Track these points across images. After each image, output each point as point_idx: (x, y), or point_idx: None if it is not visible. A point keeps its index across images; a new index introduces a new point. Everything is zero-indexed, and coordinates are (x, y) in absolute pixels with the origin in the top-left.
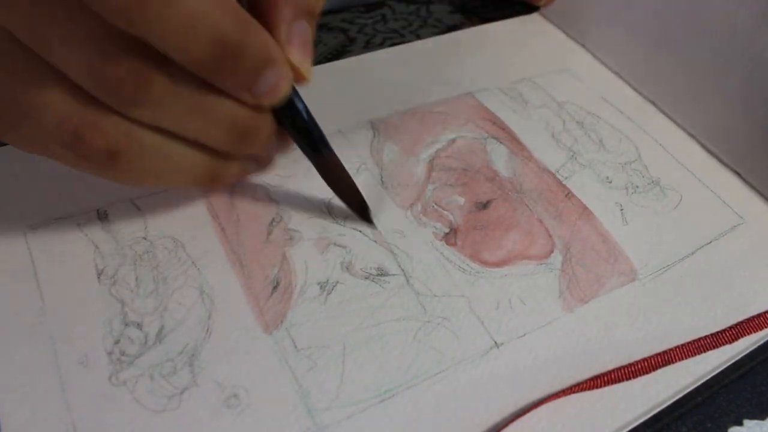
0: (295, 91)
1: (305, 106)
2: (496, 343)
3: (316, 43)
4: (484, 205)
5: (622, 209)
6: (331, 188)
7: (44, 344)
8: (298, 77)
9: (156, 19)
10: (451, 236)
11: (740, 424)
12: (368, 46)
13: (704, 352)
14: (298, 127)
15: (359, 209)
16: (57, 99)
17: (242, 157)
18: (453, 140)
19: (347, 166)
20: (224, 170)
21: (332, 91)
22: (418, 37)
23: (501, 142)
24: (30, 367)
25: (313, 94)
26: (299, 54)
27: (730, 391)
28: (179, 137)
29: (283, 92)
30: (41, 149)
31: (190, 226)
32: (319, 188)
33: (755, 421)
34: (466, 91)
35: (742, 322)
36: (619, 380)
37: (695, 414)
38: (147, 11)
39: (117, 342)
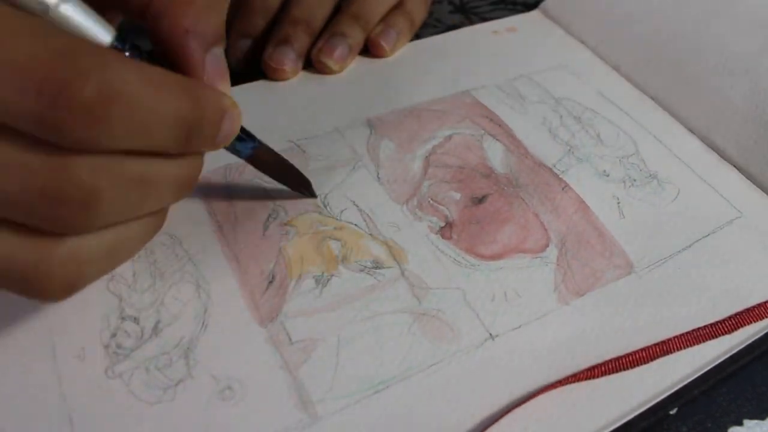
0: None
1: None
2: (491, 335)
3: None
4: (480, 200)
5: (619, 203)
6: (270, 175)
7: (42, 338)
8: None
9: (119, 134)
10: (446, 230)
11: (740, 424)
12: None
13: (702, 342)
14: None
15: (303, 188)
16: None
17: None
18: (449, 137)
19: (342, 163)
20: (162, 221)
21: (330, 90)
22: (418, 37)
23: (497, 139)
24: (27, 360)
25: (312, 93)
26: (224, 86)
27: (730, 391)
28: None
29: (236, 131)
30: None
31: (187, 222)
32: (315, 185)
33: (755, 421)
34: (464, 89)
35: (740, 313)
36: (616, 370)
37: (695, 414)
38: (111, 127)
39: (113, 335)
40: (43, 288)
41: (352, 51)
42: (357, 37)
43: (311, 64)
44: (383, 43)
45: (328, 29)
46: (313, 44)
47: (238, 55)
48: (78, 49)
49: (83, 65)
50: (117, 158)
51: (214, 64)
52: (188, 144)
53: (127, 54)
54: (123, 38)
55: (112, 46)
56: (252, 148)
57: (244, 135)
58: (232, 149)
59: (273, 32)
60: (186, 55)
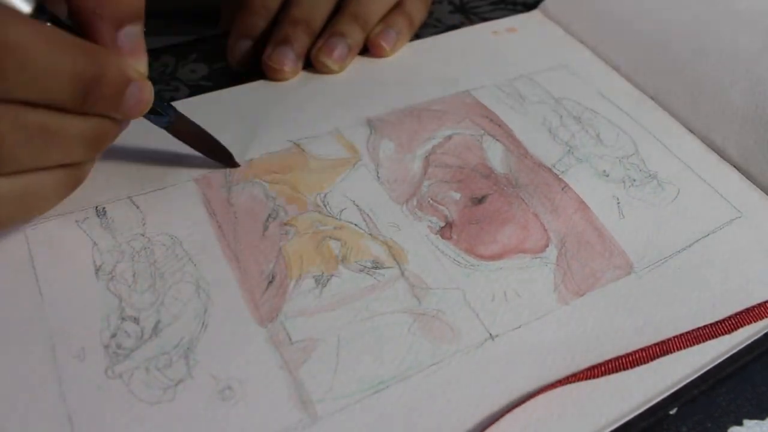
0: None
1: None
2: (491, 335)
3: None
4: (480, 200)
5: (618, 203)
6: (192, 147)
7: (42, 338)
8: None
9: (14, 85)
10: (446, 230)
11: (740, 424)
12: None
13: (702, 342)
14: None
15: (222, 158)
16: None
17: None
18: (449, 137)
19: (342, 162)
20: (85, 171)
21: (330, 90)
22: (418, 37)
23: (497, 140)
24: (28, 360)
25: (312, 93)
26: (138, 62)
27: (729, 391)
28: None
29: (148, 103)
30: None
31: (187, 222)
32: (314, 184)
33: (755, 421)
34: (464, 89)
35: (740, 313)
36: (616, 370)
37: (695, 414)
38: (4, 78)
39: (114, 336)
40: None
41: (352, 51)
42: (356, 37)
43: (311, 64)
44: (383, 43)
45: (328, 29)
46: (313, 44)
47: (238, 56)
48: None
49: None
50: (17, 107)
51: (127, 42)
52: (86, 101)
53: (48, 24)
54: (44, 10)
55: (32, 15)
56: (167, 121)
57: (161, 109)
58: (150, 119)
59: (273, 32)
60: (94, 34)
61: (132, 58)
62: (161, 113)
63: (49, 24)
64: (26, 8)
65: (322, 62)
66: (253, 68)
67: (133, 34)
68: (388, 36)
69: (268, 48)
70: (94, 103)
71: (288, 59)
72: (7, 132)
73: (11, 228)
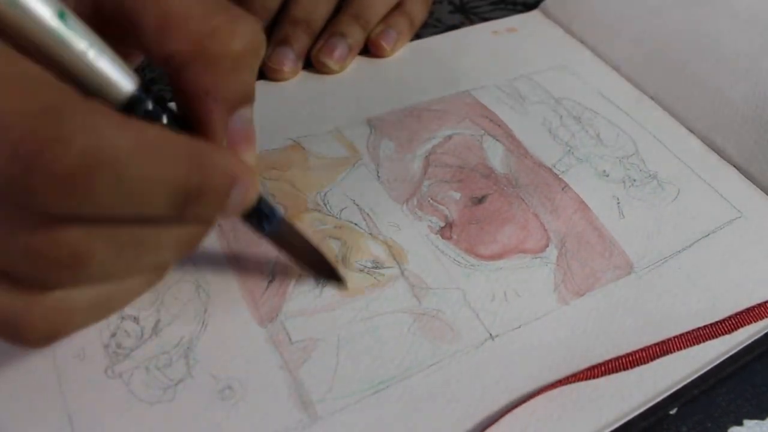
0: None
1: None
2: (491, 335)
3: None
4: (480, 200)
5: (618, 203)
6: (292, 258)
7: None
8: None
9: (107, 202)
10: (446, 230)
11: (740, 424)
12: None
13: (703, 341)
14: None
15: (326, 274)
16: None
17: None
18: (449, 137)
19: (342, 161)
20: (164, 273)
21: (330, 90)
22: (418, 37)
23: (497, 140)
24: (27, 360)
25: (312, 93)
26: (247, 151)
27: (730, 391)
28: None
29: (251, 200)
30: None
31: None
32: (314, 183)
33: (755, 421)
34: (464, 89)
35: (740, 312)
36: (616, 370)
37: (695, 414)
38: (94, 196)
39: (113, 335)
40: (25, 338)
41: (352, 51)
42: (357, 37)
43: (311, 64)
44: (383, 44)
45: (328, 29)
46: (313, 44)
47: None
48: (66, 106)
49: (68, 126)
50: (109, 224)
51: (238, 127)
52: (185, 212)
53: (149, 106)
54: (147, 88)
55: (133, 96)
56: (272, 229)
57: (267, 212)
58: (249, 224)
59: (273, 33)
60: (206, 117)
61: (241, 148)
62: (267, 216)
63: (148, 117)
64: (129, 87)
65: (322, 62)
66: None
67: (245, 119)
68: (388, 36)
69: (267, 48)
70: (193, 213)
71: (288, 59)
72: (96, 249)
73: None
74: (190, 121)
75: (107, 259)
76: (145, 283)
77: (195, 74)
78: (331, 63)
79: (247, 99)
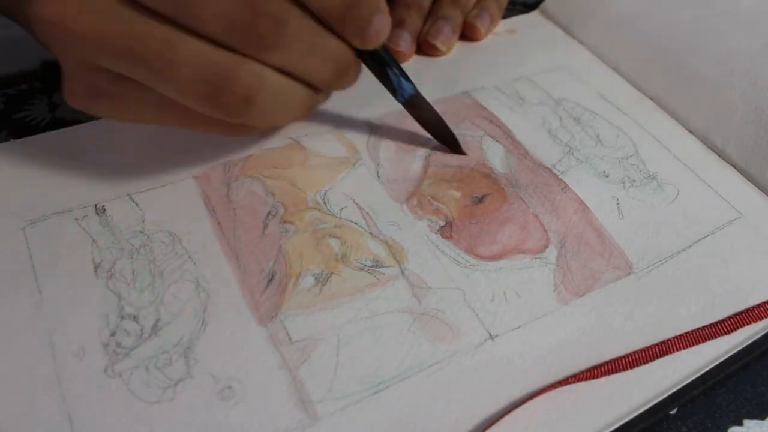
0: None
1: (388, 52)
2: (490, 335)
3: None
4: (480, 200)
5: (618, 203)
6: (420, 124)
7: (41, 336)
8: None
9: None
10: (446, 229)
11: (740, 424)
12: None
13: (702, 342)
14: (382, 70)
15: (449, 142)
16: (193, 56)
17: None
18: None
19: (342, 160)
20: (316, 103)
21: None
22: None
23: (497, 141)
24: (27, 359)
25: None
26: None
27: (730, 391)
28: (295, 77)
29: (384, 37)
30: (173, 113)
31: (186, 220)
32: (314, 182)
33: (755, 421)
34: (463, 90)
35: (740, 313)
36: (616, 370)
37: (695, 414)
38: None
39: (113, 334)
40: (230, 89)
41: (455, 33)
42: (458, 19)
43: None
44: (479, 25)
45: (432, 13)
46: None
47: None
48: None
49: None
50: (303, 13)
51: None
52: (348, 13)
53: None
54: None
55: None
56: (412, 89)
57: (405, 78)
58: (393, 86)
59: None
60: None
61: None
62: (402, 85)
63: None
64: None
65: (431, 44)
66: None
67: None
68: (484, 18)
69: None
70: (350, 17)
71: (404, 40)
72: (290, 19)
73: (272, 127)
74: None
75: (295, 31)
76: (306, 98)
77: None
78: (440, 44)
79: None
